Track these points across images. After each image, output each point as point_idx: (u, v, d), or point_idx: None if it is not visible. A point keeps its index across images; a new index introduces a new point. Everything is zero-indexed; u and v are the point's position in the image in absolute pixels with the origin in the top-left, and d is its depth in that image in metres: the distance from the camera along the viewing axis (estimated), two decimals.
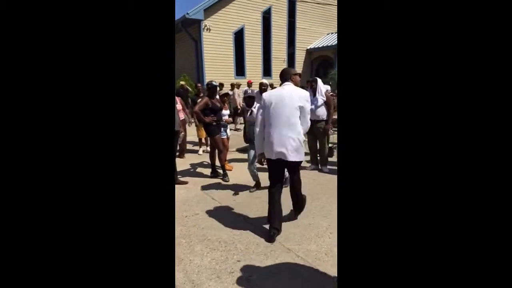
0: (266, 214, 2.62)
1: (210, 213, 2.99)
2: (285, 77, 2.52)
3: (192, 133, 6.12)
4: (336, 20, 0.99)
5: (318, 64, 13.12)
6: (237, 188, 3.70)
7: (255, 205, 3.17)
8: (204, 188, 3.75)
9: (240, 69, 11.07)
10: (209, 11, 9.79)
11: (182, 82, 6.92)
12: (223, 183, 3.95)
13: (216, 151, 4.09)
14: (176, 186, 3.73)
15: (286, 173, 2.81)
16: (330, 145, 4.57)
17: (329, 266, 2.02)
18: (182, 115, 4.82)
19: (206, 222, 2.78)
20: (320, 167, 4.43)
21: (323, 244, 2.34)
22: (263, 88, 4.49)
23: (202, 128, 4.82)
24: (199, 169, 4.65)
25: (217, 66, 10.31)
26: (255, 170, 3.48)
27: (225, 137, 4.37)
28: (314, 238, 2.44)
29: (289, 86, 2.46)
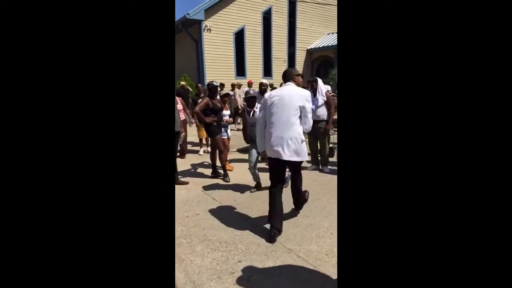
0: (267, 214, 2.62)
1: (211, 213, 2.99)
2: (287, 77, 2.54)
3: (192, 133, 6.13)
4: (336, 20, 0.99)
5: (318, 64, 13.12)
6: (238, 188, 3.70)
7: (255, 205, 3.17)
8: (205, 188, 3.75)
9: (240, 70, 11.07)
10: (210, 11, 9.80)
11: (182, 83, 6.93)
12: (224, 183, 3.95)
13: (217, 151, 4.09)
14: (177, 186, 3.73)
15: (287, 173, 2.82)
16: (330, 145, 4.57)
17: (330, 267, 2.02)
18: (182, 115, 4.83)
19: (207, 223, 2.78)
20: (321, 167, 4.42)
21: (324, 244, 2.34)
22: (263, 88, 4.50)
23: (203, 129, 4.82)
24: (199, 170, 4.65)
25: (217, 67, 10.32)
26: (256, 171, 3.49)
27: (226, 137, 4.37)
28: (315, 238, 2.44)
29: (290, 87, 2.47)
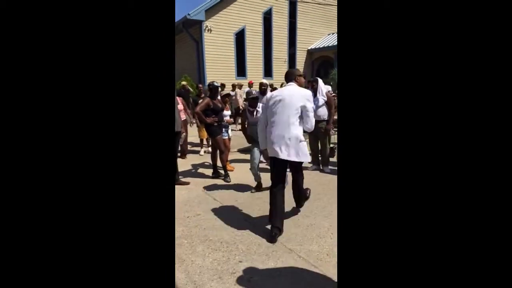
0: (267, 214, 2.62)
1: (212, 213, 2.99)
2: (289, 78, 2.56)
3: (192, 133, 6.13)
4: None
5: (319, 65, 13.12)
6: (239, 189, 3.71)
7: (256, 205, 3.17)
8: (206, 188, 3.75)
9: (241, 70, 11.08)
10: (210, 12, 9.81)
11: (183, 82, 6.92)
12: (225, 183, 3.95)
13: (218, 151, 4.09)
14: (178, 186, 3.73)
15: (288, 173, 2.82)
16: (331, 145, 4.57)
17: (331, 267, 2.02)
18: (183, 116, 4.83)
19: (207, 223, 2.78)
20: (321, 168, 4.42)
21: (325, 244, 2.34)
22: (263, 88, 4.51)
23: (204, 129, 4.82)
24: (200, 170, 4.65)
25: (218, 67, 10.33)
26: (258, 172, 3.49)
27: (227, 137, 4.37)
28: (316, 238, 2.44)
29: (292, 87, 2.48)
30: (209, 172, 4.39)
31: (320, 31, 12.84)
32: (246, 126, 3.64)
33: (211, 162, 4.33)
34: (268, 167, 2.63)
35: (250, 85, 8.66)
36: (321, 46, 12.47)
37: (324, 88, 4.21)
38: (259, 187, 3.61)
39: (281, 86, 6.15)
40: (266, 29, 11.40)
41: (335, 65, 11.33)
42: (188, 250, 2.30)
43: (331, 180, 3.91)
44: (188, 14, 9.27)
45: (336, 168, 4.27)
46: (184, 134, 4.87)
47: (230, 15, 10.37)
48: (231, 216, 2.91)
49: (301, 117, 2.41)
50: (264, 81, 4.66)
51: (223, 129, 4.22)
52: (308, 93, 2.46)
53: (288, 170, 2.66)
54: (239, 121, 7.99)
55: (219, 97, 4.18)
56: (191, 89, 7.98)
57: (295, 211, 2.93)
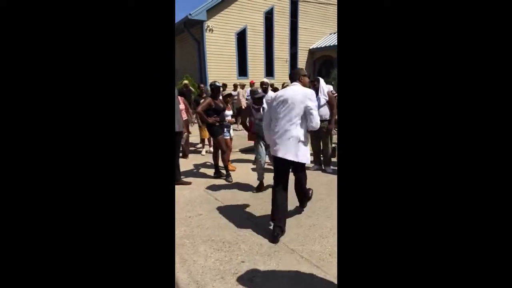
0: (269, 214, 2.62)
1: (214, 213, 2.99)
2: (294, 77, 2.58)
3: (194, 133, 6.13)
4: None
5: (320, 64, 13.10)
6: (241, 188, 3.71)
7: (258, 205, 3.17)
8: (208, 188, 3.75)
9: (242, 70, 11.08)
10: (212, 12, 9.81)
11: (185, 81, 6.91)
12: (227, 183, 3.95)
13: (219, 151, 4.09)
14: (180, 186, 3.74)
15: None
16: (333, 145, 4.56)
17: (333, 267, 2.01)
18: (185, 115, 4.83)
19: (209, 223, 2.78)
20: (323, 167, 4.42)
21: (327, 244, 2.33)
22: (263, 87, 4.51)
23: (205, 129, 4.82)
24: (202, 170, 4.65)
25: (219, 67, 10.33)
26: (263, 170, 3.47)
27: (228, 137, 4.37)
28: (318, 238, 2.43)
29: (295, 87, 2.49)
30: (210, 172, 4.39)
31: (321, 31, 12.82)
32: (247, 123, 3.65)
33: (212, 162, 4.34)
34: (272, 167, 2.64)
35: (252, 84, 8.66)
36: (322, 46, 12.45)
37: (325, 87, 4.20)
38: (260, 187, 3.61)
39: (283, 85, 6.14)
40: (268, 28, 11.40)
41: (336, 65, 11.31)
42: (190, 250, 2.30)
43: (333, 180, 3.90)
44: (190, 14, 9.28)
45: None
46: (186, 134, 4.88)
47: (232, 15, 10.37)
48: (233, 216, 2.91)
49: (304, 117, 2.41)
50: (265, 80, 4.66)
51: (225, 129, 4.22)
52: (311, 92, 2.45)
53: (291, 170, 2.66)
54: (240, 123, 8.01)
55: (220, 97, 4.18)
56: (192, 89, 7.98)
57: (297, 211, 2.93)
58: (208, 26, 9.89)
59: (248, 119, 3.81)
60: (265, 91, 4.28)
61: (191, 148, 5.92)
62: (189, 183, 3.90)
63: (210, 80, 9.32)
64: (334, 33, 12.73)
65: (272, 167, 2.68)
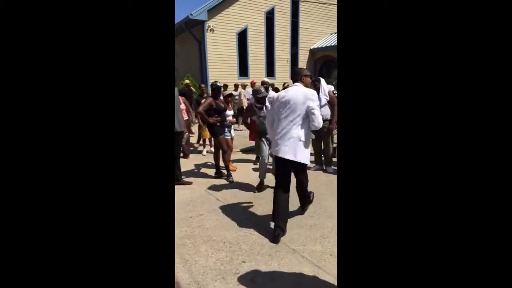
0: (270, 214, 2.62)
1: (215, 213, 2.99)
2: (296, 77, 2.59)
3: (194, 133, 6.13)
4: None
5: (321, 64, 13.08)
6: (241, 188, 3.70)
7: (259, 205, 3.16)
8: (209, 188, 3.75)
9: (243, 70, 11.07)
10: (213, 12, 9.81)
11: (187, 81, 6.90)
12: (227, 183, 3.95)
13: (220, 151, 4.09)
14: (181, 186, 3.74)
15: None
16: (334, 145, 4.55)
17: (334, 267, 2.01)
18: (186, 115, 4.83)
19: (210, 223, 2.78)
20: (324, 167, 4.41)
21: (328, 245, 2.33)
22: (264, 86, 4.52)
23: (206, 129, 4.82)
24: (203, 170, 4.65)
25: (220, 67, 10.33)
26: (266, 168, 3.47)
27: (229, 137, 4.37)
28: (319, 239, 2.43)
29: (297, 87, 2.49)
30: (211, 172, 4.39)
31: (322, 31, 12.81)
32: (249, 121, 3.65)
33: (213, 162, 4.34)
34: (271, 167, 2.64)
35: (253, 84, 8.66)
36: (323, 46, 12.44)
37: (326, 87, 4.19)
38: (260, 187, 3.61)
39: (283, 85, 6.14)
40: (269, 28, 11.39)
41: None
42: (191, 250, 2.30)
43: (334, 180, 3.89)
44: (191, 14, 9.28)
45: None
46: (187, 134, 4.88)
47: (232, 15, 10.37)
48: (234, 216, 2.91)
49: (306, 118, 2.41)
50: (266, 79, 4.67)
51: (226, 129, 4.22)
52: (312, 92, 2.46)
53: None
54: (241, 122, 8.00)
55: (221, 97, 4.18)
56: (193, 89, 7.98)
57: (298, 211, 2.93)
58: (209, 26, 9.89)
59: (249, 118, 3.81)
60: (265, 90, 4.29)
61: (190, 148, 5.92)
62: (190, 183, 3.90)
63: (211, 80, 9.32)
64: (335, 33, 12.71)
65: (271, 167, 2.67)
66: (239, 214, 2.96)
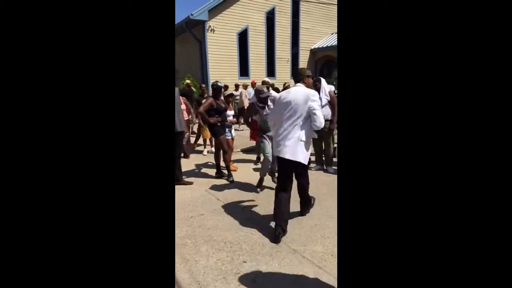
0: (271, 214, 2.62)
1: (215, 213, 2.99)
2: (298, 78, 2.59)
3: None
4: None
5: (322, 64, 13.07)
6: (242, 188, 3.70)
7: (260, 205, 3.16)
8: (209, 188, 3.75)
9: (244, 70, 11.07)
10: (213, 12, 9.80)
11: (188, 81, 6.90)
12: (228, 183, 3.95)
13: (221, 151, 4.09)
14: (181, 186, 3.74)
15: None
16: (335, 145, 4.55)
17: (335, 268, 2.00)
18: (186, 115, 4.83)
19: (211, 223, 2.78)
20: (325, 168, 4.41)
21: (329, 245, 2.32)
22: (266, 86, 4.52)
23: (207, 129, 4.82)
24: (204, 170, 4.65)
25: (221, 67, 10.33)
26: (269, 165, 3.46)
27: (230, 137, 4.37)
28: (320, 239, 2.43)
29: (299, 88, 2.50)
30: (212, 172, 4.39)
31: (323, 31, 12.80)
32: (250, 120, 3.65)
33: (214, 162, 4.34)
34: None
35: (253, 84, 8.65)
36: (324, 46, 12.42)
37: (327, 87, 4.19)
38: (260, 184, 3.60)
39: (284, 85, 6.14)
40: (269, 28, 11.38)
41: None
42: (192, 250, 2.30)
43: (335, 180, 3.87)
44: (191, 14, 9.28)
45: None
46: (187, 134, 4.88)
47: (233, 15, 10.36)
48: (234, 216, 2.91)
49: (308, 118, 2.41)
50: (266, 79, 4.67)
51: (226, 129, 4.22)
52: (313, 92, 2.46)
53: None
54: (243, 121, 8.00)
55: (222, 97, 4.18)
56: (194, 89, 7.98)
57: (299, 212, 2.92)
58: (209, 26, 9.89)
59: (250, 118, 3.80)
60: (266, 89, 4.28)
61: (193, 148, 5.92)
62: (191, 183, 3.90)
63: (211, 80, 9.32)
64: (336, 33, 12.70)
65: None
66: (240, 214, 2.96)
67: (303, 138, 2.41)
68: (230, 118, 4.42)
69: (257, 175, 3.75)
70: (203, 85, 6.46)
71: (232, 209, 3.10)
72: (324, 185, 3.71)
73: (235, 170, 4.41)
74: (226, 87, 6.65)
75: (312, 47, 12.68)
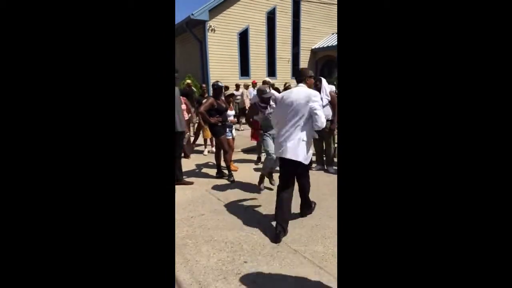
0: (272, 214, 2.62)
1: (216, 213, 2.99)
2: (300, 78, 2.59)
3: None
4: None
5: (322, 64, 13.06)
6: (243, 188, 3.70)
7: (261, 205, 3.16)
8: (210, 188, 3.75)
9: (244, 70, 11.06)
10: (214, 11, 9.80)
11: (188, 81, 6.90)
12: (229, 183, 3.95)
13: (222, 151, 4.09)
14: (182, 186, 3.74)
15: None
16: (335, 145, 4.54)
17: (336, 268, 2.00)
18: (186, 115, 4.82)
19: (212, 223, 2.78)
20: (326, 168, 4.40)
21: (330, 245, 2.32)
22: (267, 86, 4.51)
23: (208, 129, 4.82)
24: (204, 170, 4.65)
25: (221, 67, 10.33)
26: (273, 164, 3.45)
27: (230, 137, 4.37)
28: (321, 239, 2.42)
29: (300, 88, 2.50)
30: (213, 172, 4.39)
31: (324, 31, 12.79)
32: (251, 119, 3.65)
33: (215, 162, 4.33)
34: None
35: (254, 84, 8.65)
36: (325, 46, 12.41)
37: (327, 87, 4.19)
38: (261, 180, 3.60)
39: (285, 85, 6.14)
40: (270, 28, 11.37)
41: None
42: (192, 250, 2.30)
43: (336, 180, 3.88)
44: (192, 14, 9.28)
45: None
46: (188, 134, 4.88)
47: (234, 15, 10.36)
48: (235, 216, 2.90)
49: (309, 119, 2.41)
50: (267, 79, 4.67)
51: (227, 129, 4.21)
52: (314, 93, 2.46)
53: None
54: (243, 121, 8.00)
55: (223, 97, 4.18)
56: (194, 89, 7.98)
57: (299, 213, 2.91)
58: (210, 26, 9.88)
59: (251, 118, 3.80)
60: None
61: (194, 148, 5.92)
62: (191, 183, 3.89)
63: (212, 80, 9.32)
64: (337, 33, 12.68)
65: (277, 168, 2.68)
66: (241, 214, 2.96)
67: (305, 138, 2.42)
68: (231, 118, 4.42)
69: (257, 175, 3.74)
70: (204, 85, 6.46)
71: (233, 209, 3.10)
72: (324, 185, 3.71)
73: (236, 170, 4.41)
74: (226, 88, 6.66)
75: (313, 47, 12.68)
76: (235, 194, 3.53)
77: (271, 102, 3.47)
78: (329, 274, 1.96)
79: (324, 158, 4.43)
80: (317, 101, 2.41)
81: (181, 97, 4.50)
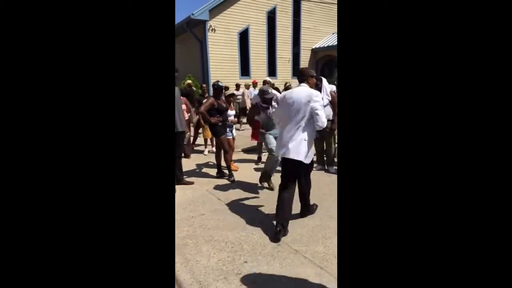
0: (272, 214, 2.62)
1: (216, 213, 2.99)
2: (301, 78, 2.59)
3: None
4: None
5: (323, 64, 13.06)
6: (243, 188, 3.70)
7: (262, 205, 3.16)
8: (210, 188, 3.75)
9: (245, 69, 11.07)
10: (214, 11, 9.80)
11: (189, 81, 6.90)
12: (229, 183, 3.94)
13: (222, 151, 4.09)
14: (182, 186, 3.74)
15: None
16: (336, 145, 4.53)
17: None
18: (186, 115, 4.82)
19: (212, 223, 2.77)
20: (326, 168, 4.40)
21: (331, 245, 2.32)
22: (266, 85, 4.51)
23: (208, 129, 4.82)
24: (204, 170, 4.65)
25: (222, 67, 10.33)
26: (275, 160, 3.43)
27: (231, 137, 4.37)
28: (322, 239, 2.42)
29: (302, 88, 2.50)
30: (213, 172, 4.39)
31: (324, 30, 12.79)
32: (251, 119, 3.64)
33: (215, 162, 4.33)
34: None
35: (255, 84, 8.65)
36: (325, 45, 12.41)
37: (328, 87, 4.18)
38: (263, 179, 3.59)
39: (285, 85, 6.14)
40: (270, 28, 11.38)
41: None
42: (193, 250, 2.30)
43: (336, 180, 3.87)
44: (192, 14, 9.28)
45: None
46: (188, 134, 4.88)
47: (234, 15, 10.36)
48: (235, 216, 2.90)
49: (311, 119, 2.42)
50: (268, 78, 4.66)
51: (227, 129, 4.21)
52: (316, 93, 2.46)
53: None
54: (244, 121, 8.00)
55: (223, 97, 4.18)
56: (194, 89, 7.98)
57: (300, 213, 2.91)
58: (210, 26, 9.88)
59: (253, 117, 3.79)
60: None
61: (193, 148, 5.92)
62: (192, 183, 3.89)
63: (212, 80, 9.32)
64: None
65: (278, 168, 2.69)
66: (241, 214, 2.96)
67: (306, 138, 2.43)
68: (231, 118, 4.41)
69: (258, 175, 3.74)
70: (204, 85, 6.47)
71: (233, 209, 3.10)
72: (325, 185, 3.70)
73: (236, 170, 4.40)
74: (227, 88, 6.65)
75: (313, 47, 12.68)
76: (235, 194, 3.53)
77: (273, 103, 3.46)
78: (329, 275, 1.95)
79: (325, 158, 4.42)
80: (318, 101, 2.40)
81: (181, 97, 4.50)
